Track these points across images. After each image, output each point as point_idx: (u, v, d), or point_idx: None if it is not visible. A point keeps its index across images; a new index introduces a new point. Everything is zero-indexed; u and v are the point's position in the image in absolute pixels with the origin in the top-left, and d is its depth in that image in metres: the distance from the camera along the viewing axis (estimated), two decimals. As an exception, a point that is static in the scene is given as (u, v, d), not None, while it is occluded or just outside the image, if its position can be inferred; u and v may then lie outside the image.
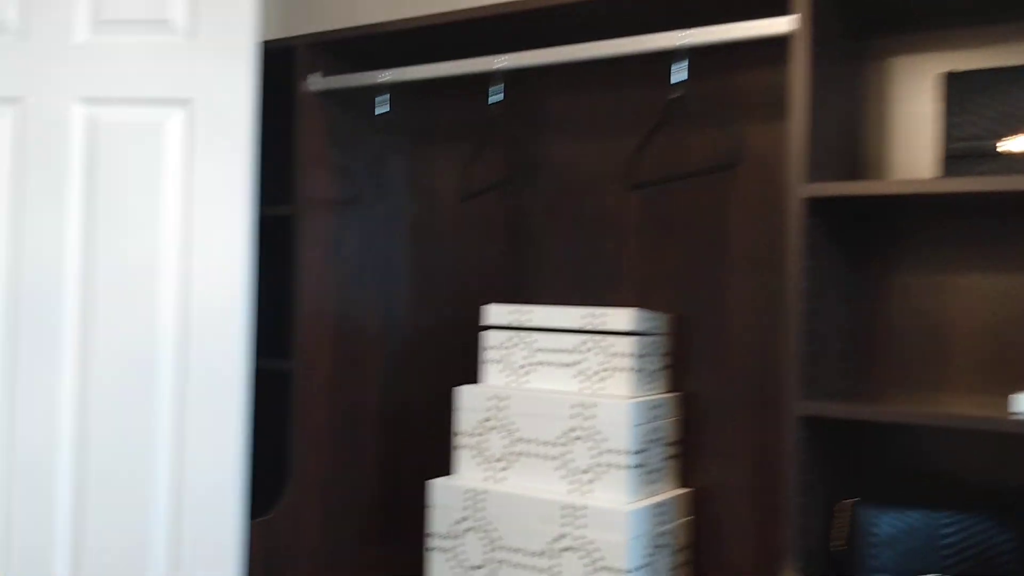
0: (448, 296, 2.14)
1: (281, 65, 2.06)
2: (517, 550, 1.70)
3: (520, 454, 1.75)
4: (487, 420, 1.79)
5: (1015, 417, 1.29)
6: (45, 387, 1.73)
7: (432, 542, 1.80)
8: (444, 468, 2.12)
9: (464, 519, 1.76)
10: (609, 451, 1.65)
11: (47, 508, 1.73)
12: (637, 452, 1.66)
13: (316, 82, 1.96)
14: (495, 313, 1.85)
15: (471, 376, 2.10)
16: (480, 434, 1.80)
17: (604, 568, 1.59)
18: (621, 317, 1.71)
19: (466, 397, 1.82)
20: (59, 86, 1.74)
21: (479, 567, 1.74)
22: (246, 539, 1.81)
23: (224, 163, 1.73)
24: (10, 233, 1.75)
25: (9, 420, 1.74)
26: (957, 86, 1.47)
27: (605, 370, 1.72)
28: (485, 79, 2.07)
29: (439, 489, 1.80)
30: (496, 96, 1.86)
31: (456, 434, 1.83)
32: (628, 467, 1.63)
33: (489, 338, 1.85)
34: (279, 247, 2.29)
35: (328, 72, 1.99)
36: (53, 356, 1.73)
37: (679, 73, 1.64)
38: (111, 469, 1.73)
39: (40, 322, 1.73)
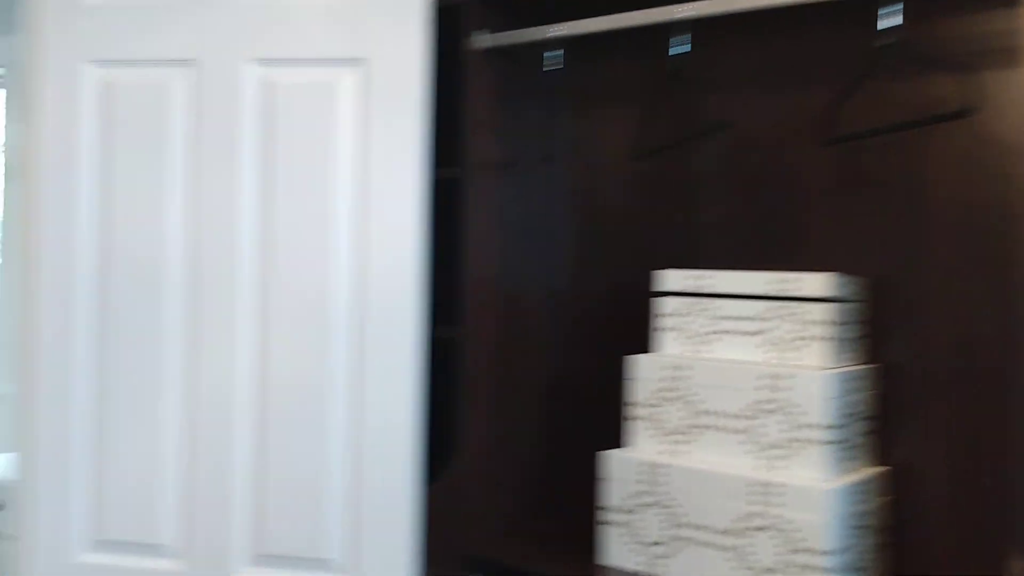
0: (614, 261, 2.06)
1: (447, 23, 2.00)
2: (701, 527, 1.62)
3: (702, 427, 1.66)
4: (664, 391, 1.71)
5: None
6: (224, 348, 1.73)
7: (606, 516, 1.74)
8: (610, 439, 2.05)
9: (641, 493, 1.69)
10: (805, 425, 1.54)
11: (228, 464, 1.73)
12: (836, 427, 1.55)
13: (483, 39, 1.89)
14: (671, 278, 1.76)
15: (638, 344, 2.01)
16: (656, 405, 1.72)
17: (803, 549, 1.50)
18: (816, 282, 1.60)
19: (642, 366, 1.74)
20: (233, 47, 1.72)
21: (658, 543, 1.67)
22: (422, 497, 1.77)
23: (398, 123, 1.68)
24: (188, 193, 1.74)
25: (192, 383, 1.75)
26: None
27: (798, 339, 1.61)
28: (655, 32, 1.96)
29: (614, 461, 1.73)
30: (681, 47, 1.74)
31: (630, 405, 1.75)
32: (826, 443, 1.53)
33: (664, 305, 1.77)
34: (441, 211, 2.24)
35: (494, 30, 1.92)
36: (232, 316, 1.73)
37: (891, 18, 1.50)
38: (290, 431, 1.72)
39: (219, 283, 1.73)
